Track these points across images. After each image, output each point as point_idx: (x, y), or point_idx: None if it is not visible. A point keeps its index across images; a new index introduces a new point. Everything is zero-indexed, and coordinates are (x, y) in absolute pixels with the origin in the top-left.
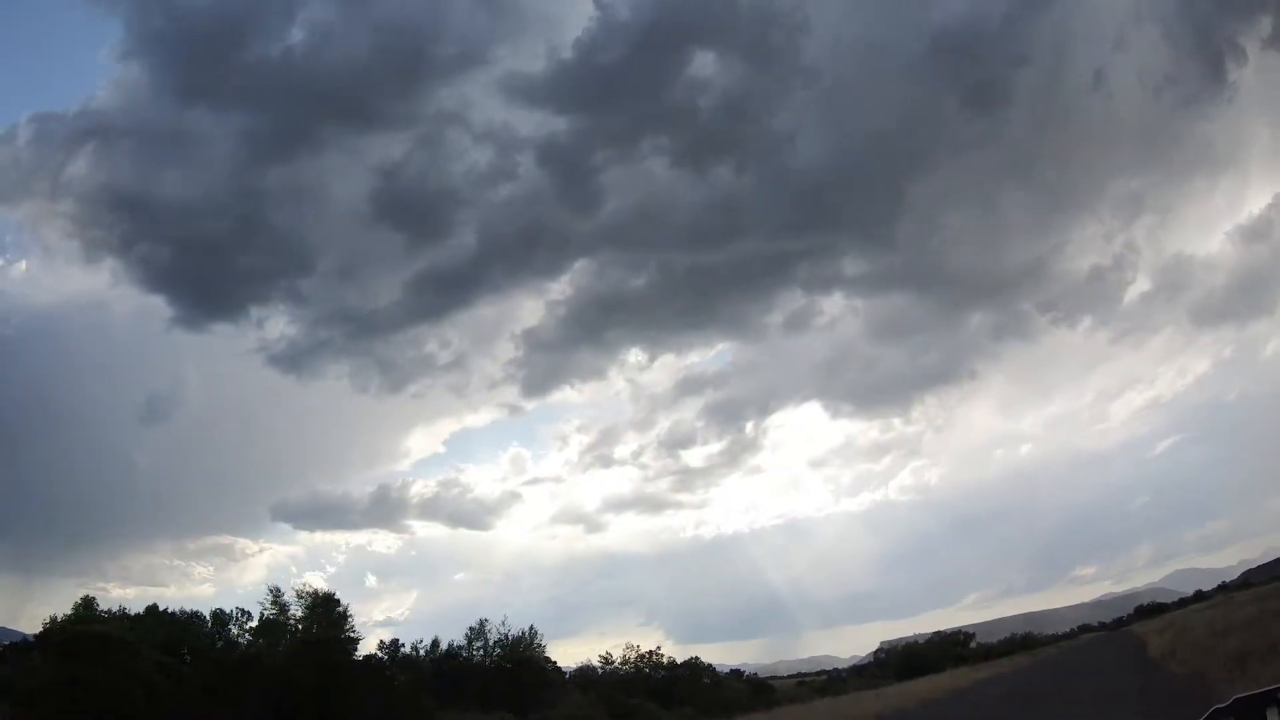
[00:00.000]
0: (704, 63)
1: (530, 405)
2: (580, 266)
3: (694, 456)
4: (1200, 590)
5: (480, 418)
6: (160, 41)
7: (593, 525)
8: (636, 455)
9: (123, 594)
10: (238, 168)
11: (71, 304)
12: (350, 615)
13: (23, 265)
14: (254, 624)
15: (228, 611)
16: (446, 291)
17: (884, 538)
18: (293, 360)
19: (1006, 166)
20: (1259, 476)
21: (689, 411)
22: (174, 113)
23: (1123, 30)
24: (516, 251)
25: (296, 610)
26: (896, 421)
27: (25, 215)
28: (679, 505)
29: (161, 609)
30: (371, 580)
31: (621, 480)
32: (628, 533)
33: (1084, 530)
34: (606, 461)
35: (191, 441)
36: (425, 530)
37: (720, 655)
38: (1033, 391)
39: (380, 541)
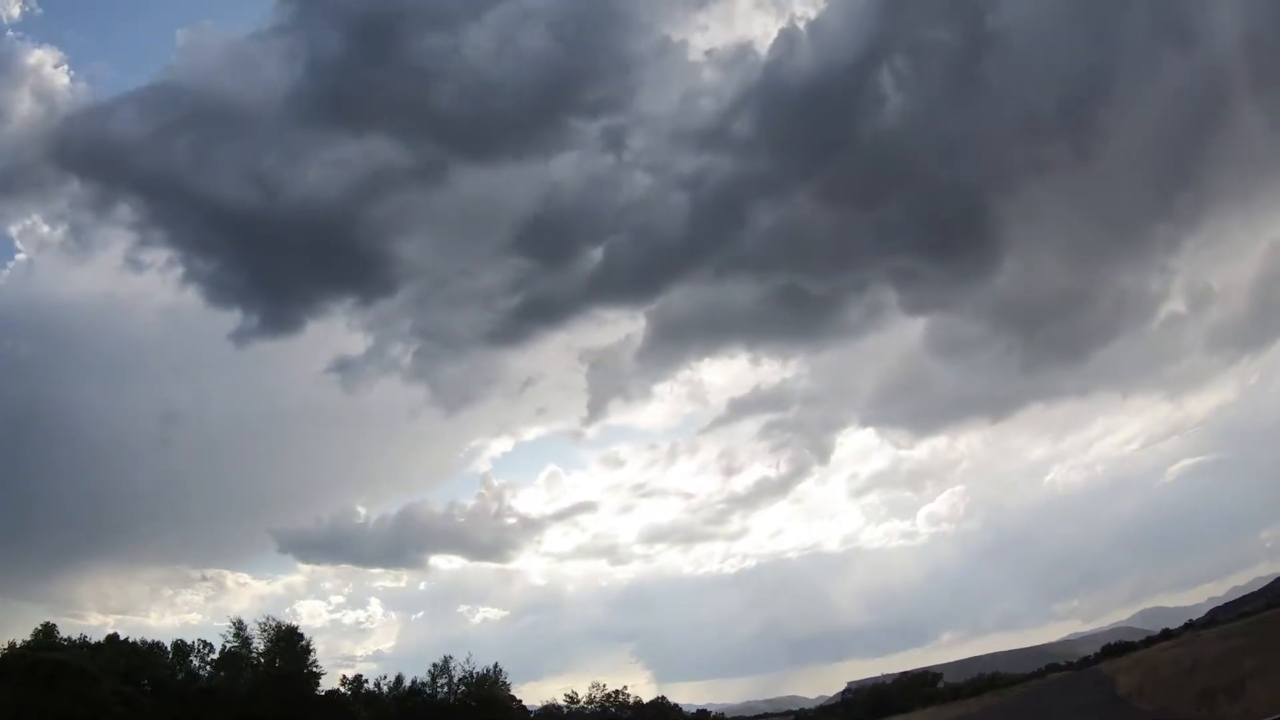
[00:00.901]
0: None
1: (591, 430)
2: (677, 289)
3: (744, 481)
4: (1168, 629)
5: (534, 435)
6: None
7: (619, 558)
8: (683, 485)
9: (104, 620)
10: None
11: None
12: (313, 649)
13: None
14: (215, 656)
15: (189, 643)
16: (544, 316)
17: (893, 572)
18: (354, 374)
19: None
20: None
21: (746, 436)
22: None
23: None
24: (624, 278)
25: (259, 643)
26: (942, 446)
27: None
28: (712, 537)
29: (122, 638)
30: (378, 612)
31: (662, 509)
32: (652, 566)
33: (1071, 566)
34: (648, 492)
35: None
36: (443, 564)
37: (700, 694)
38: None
39: (391, 579)
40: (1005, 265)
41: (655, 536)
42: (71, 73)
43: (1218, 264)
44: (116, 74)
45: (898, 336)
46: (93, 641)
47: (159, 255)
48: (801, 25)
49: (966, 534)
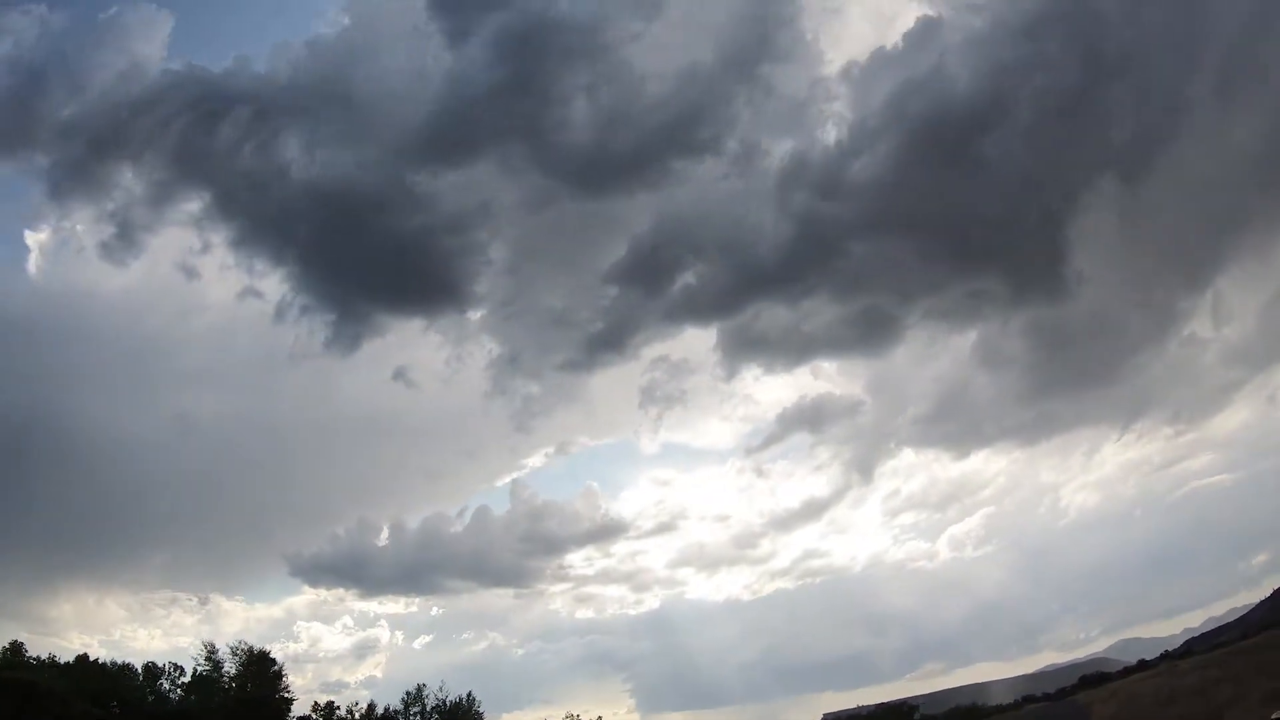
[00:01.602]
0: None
1: (646, 449)
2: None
3: (783, 501)
4: (1144, 659)
5: (584, 451)
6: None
7: (640, 583)
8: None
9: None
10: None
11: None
12: (285, 674)
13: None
14: (186, 679)
15: (160, 665)
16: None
17: (900, 597)
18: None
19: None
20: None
21: (793, 455)
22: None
23: None
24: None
25: (230, 667)
26: (975, 467)
27: None
28: (739, 561)
29: (92, 659)
30: (381, 638)
31: (696, 531)
32: (673, 591)
33: (1062, 596)
34: (684, 514)
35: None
36: (460, 588)
37: None
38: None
39: (402, 605)
40: (1066, 291)
41: (682, 561)
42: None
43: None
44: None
45: (959, 358)
46: (61, 661)
47: (233, 254)
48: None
49: (977, 560)
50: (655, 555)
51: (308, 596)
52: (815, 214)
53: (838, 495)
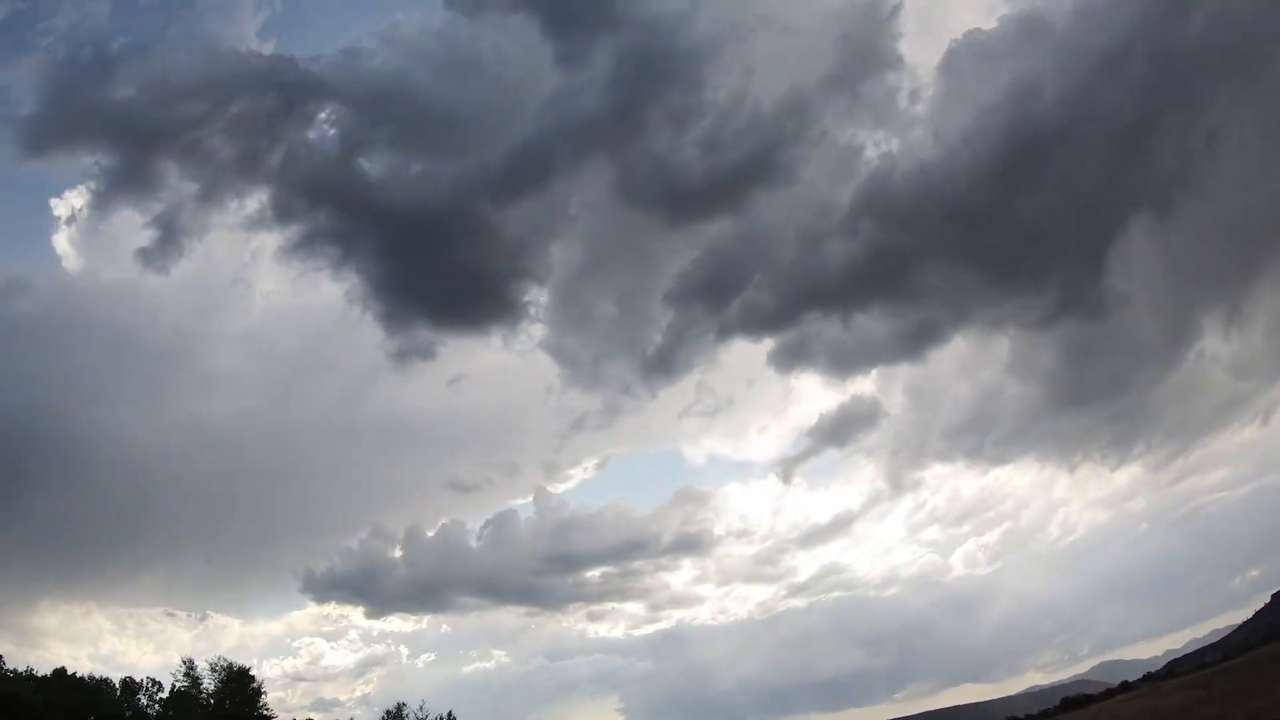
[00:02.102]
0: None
1: (697, 458)
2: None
3: (812, 515)
4: (1126, 681)
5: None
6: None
7: (656, 603)
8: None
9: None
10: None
11: None
12: (264, 692)
13: None
14: (164, 695)
15: (138, 680)
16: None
17: (903, 617)
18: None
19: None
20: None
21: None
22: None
23: None
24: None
25: (209, 684)
26: (997, 483)
27: None
28: (757, 579)
29: (70, 672)
30: (383, 654)
31: (720, 548)
32: (689, 611)
33: (1054, 616)
34: (709, 530)
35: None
36: (471, 605)
37: None
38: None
39: (412, 622)
40: (1103, 310)
41: (702, 578)
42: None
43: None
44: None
45: (993, 373)
46: (40, 674)
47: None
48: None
49: (985, 578)
50: (676, 573)
51: (311, 612)
52: (881, 238)
53: (866, 508)
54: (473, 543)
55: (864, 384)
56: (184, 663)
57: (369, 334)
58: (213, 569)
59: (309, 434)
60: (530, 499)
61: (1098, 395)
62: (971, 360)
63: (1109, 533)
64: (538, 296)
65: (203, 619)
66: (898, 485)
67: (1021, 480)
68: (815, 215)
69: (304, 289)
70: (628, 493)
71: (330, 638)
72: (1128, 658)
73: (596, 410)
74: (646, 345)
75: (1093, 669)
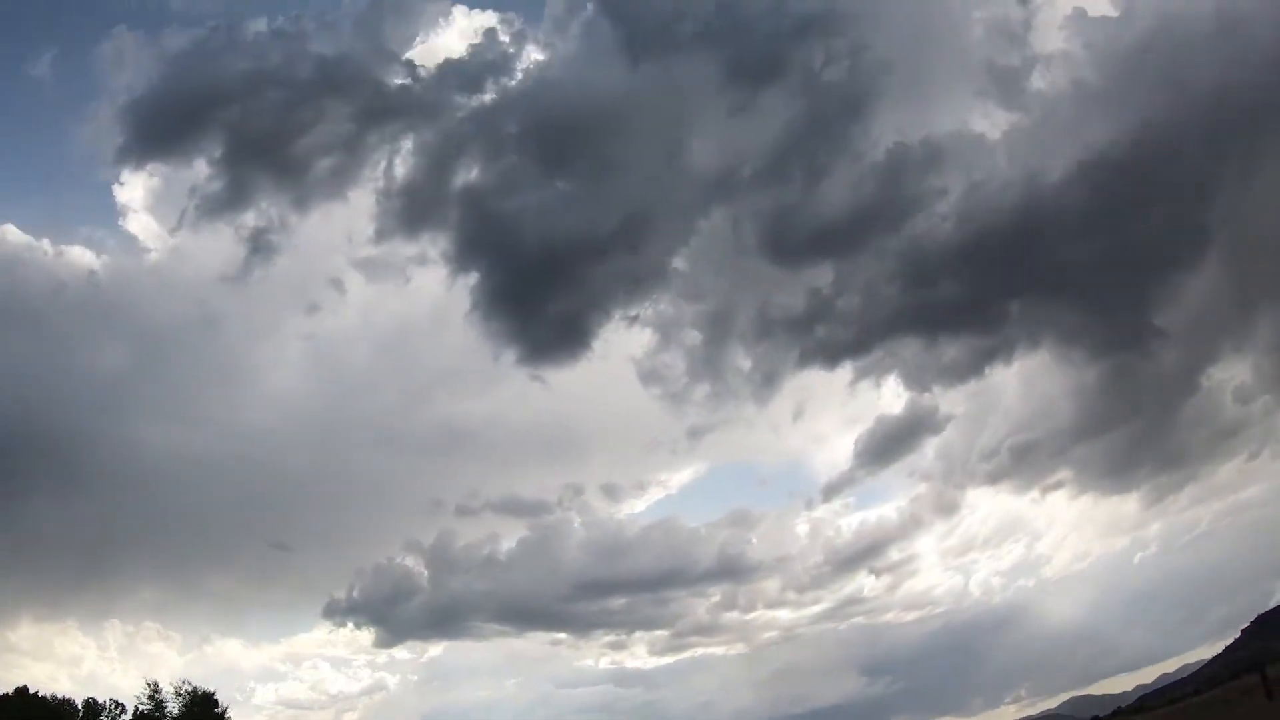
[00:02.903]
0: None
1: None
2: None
3: (852, 540)
4: (1097, 716)
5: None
6: None
7: (680, 633)
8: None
9: None
10: None
11: None
12: (229, 717)
13: None
14: (127, 717)
15: (101, 702)
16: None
17: (897, 644)
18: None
19: None
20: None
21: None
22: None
23: None
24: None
25: (173, 708)
26: (1025, 502)
27: None
28: (783, 604)
29: (32, 692)
30: (377, 681)
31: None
32: (706, 639)
33: (1035, 650)
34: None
35: None
36: (492, 631)
37: None
38: None
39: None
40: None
41: (728, 604)
42: None
43: None
44: None
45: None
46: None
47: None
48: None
49: (994, 606)
50: (706, 599)
51: (317, 636)
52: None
53: (907, 530)
54: (508, 563)
55: (927, 401)
56: (148, 685)
57: (461, 344)
58: (229, 585)
59: (360, 441)
60: (579, 517)
61: (1119, 424)
62: (1026, 384)
63: (1105, 564)
64: (639, 313)
65: (203, 640)
66: (939, 508)
67: (1042, 508)
68: (917, 255)
69: (394, 293)
70: (694, 512)
71: (337, 664)
72: (1098, 693)
73: (678, 431)
74: (735, 369)
75: (1061, 704)
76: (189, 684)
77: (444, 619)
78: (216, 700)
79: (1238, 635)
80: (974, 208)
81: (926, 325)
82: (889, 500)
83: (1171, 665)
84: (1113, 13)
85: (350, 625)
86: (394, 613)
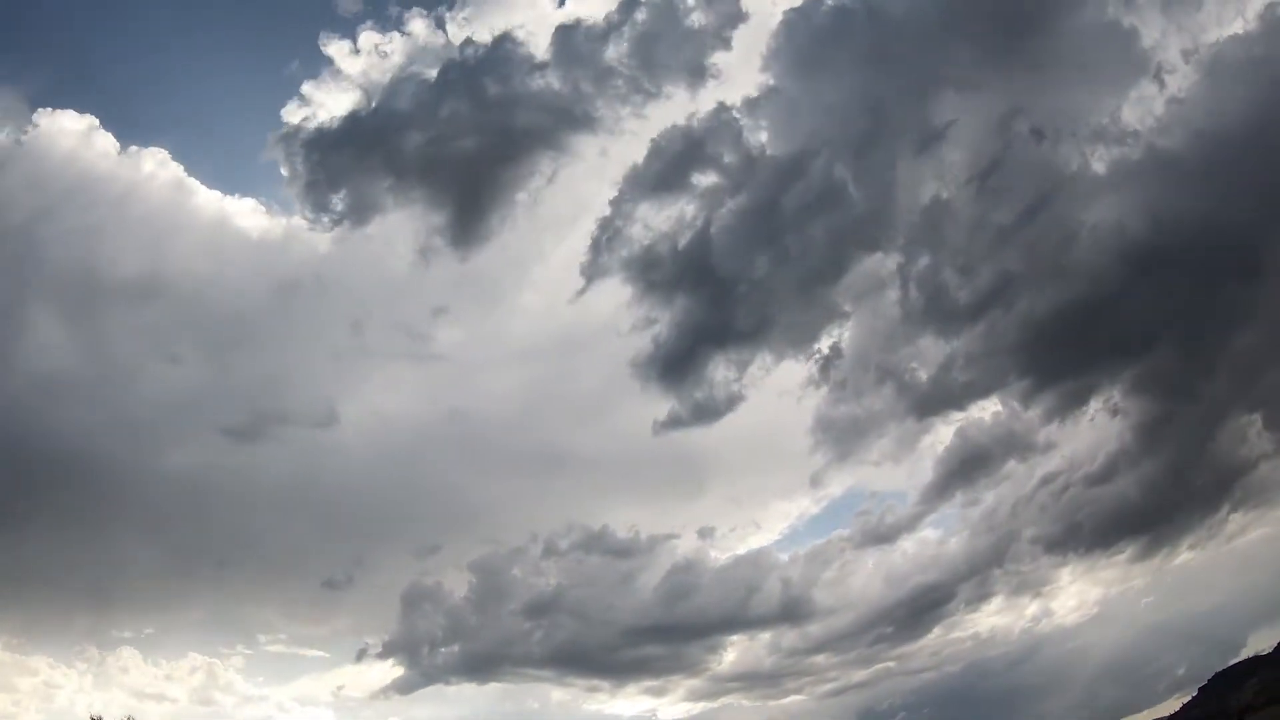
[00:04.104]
0: None
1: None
2: None
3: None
4: None
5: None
6: None
7: (717, 678)
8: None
9: None
10: None
11: None
12: None
13: None
14: None
15: None
16: None
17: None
18: None
19: None
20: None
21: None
22: None
23: None
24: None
25: None
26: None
27: None
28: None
29: None
30: None
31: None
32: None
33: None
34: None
35: None
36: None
37: None
38: None
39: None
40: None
41: (773, 650)
42: None
43: None
44: None
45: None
46: None
47: None
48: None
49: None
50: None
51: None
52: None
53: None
54: (570, 604)
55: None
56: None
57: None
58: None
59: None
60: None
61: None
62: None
63: (1098, 618)
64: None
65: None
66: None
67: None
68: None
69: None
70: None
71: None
72: None
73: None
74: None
75: None
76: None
77: (483, 662)
78: None
79: (1194, 694)
80: None
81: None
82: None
83: None
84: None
85: (379, 663)
86: (427, 654)
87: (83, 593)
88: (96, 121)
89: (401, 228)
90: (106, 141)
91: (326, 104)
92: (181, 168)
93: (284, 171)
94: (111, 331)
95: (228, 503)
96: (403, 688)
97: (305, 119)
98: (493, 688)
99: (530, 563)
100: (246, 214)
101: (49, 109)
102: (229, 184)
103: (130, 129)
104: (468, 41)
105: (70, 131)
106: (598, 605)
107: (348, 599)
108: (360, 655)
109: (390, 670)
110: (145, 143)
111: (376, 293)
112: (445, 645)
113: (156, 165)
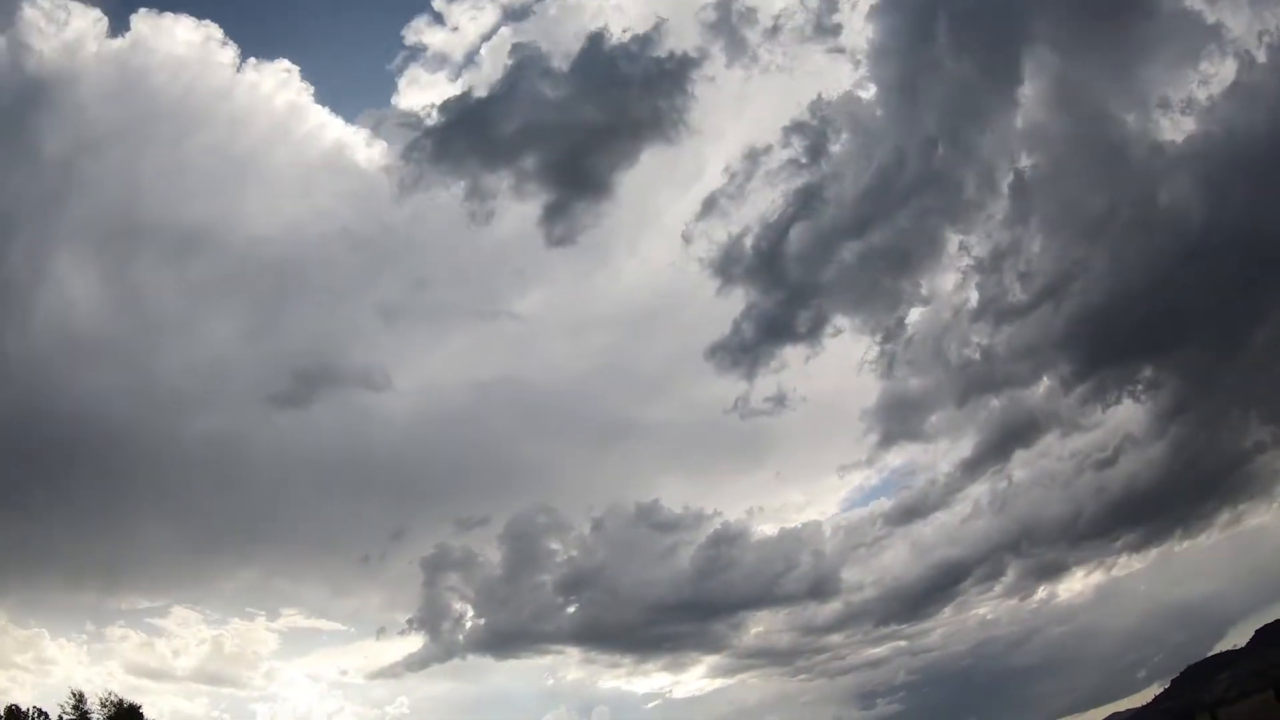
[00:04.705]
0: None
1: None
2: None
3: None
4: None
5: None
6: None
7: (739, 654)
8: None
9: None
10: None
11: None
12: None
13: None
14: None
15: (24, 709)
16: None
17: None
18: None
19: None
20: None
21: None
22: None
23: None
24: None
25: (98, 717)
26: None
27: None
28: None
29: None
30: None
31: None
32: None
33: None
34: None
35: None
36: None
37: None
38: None
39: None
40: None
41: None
42: None
43: None
44: None
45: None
46: None
47: None
48: None
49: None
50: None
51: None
52: None
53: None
54: (601, 579)
55: None
56: (73, 694)
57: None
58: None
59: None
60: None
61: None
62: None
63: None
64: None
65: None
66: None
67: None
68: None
69: None
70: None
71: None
72: None
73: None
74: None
75: None
76: (114, 695)
77: (505, 639)
78: (141, 713)
79: (1167, 686)
80: None
81: None
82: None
83: (1099, 715)
84: None
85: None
86: (449, 629)
87: (103, 568)
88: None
89: (493, 191)
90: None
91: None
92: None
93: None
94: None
95: (266, 473)
96: (417, 664)
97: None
98: (510, 664)
99: (572, 536)
100: (360, 146)
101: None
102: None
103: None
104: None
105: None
106: (633, 580)
107: (383, 573)
108: (380, 632)
109: (407, 645)
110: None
111: (448, 254)
112: (471, 619)
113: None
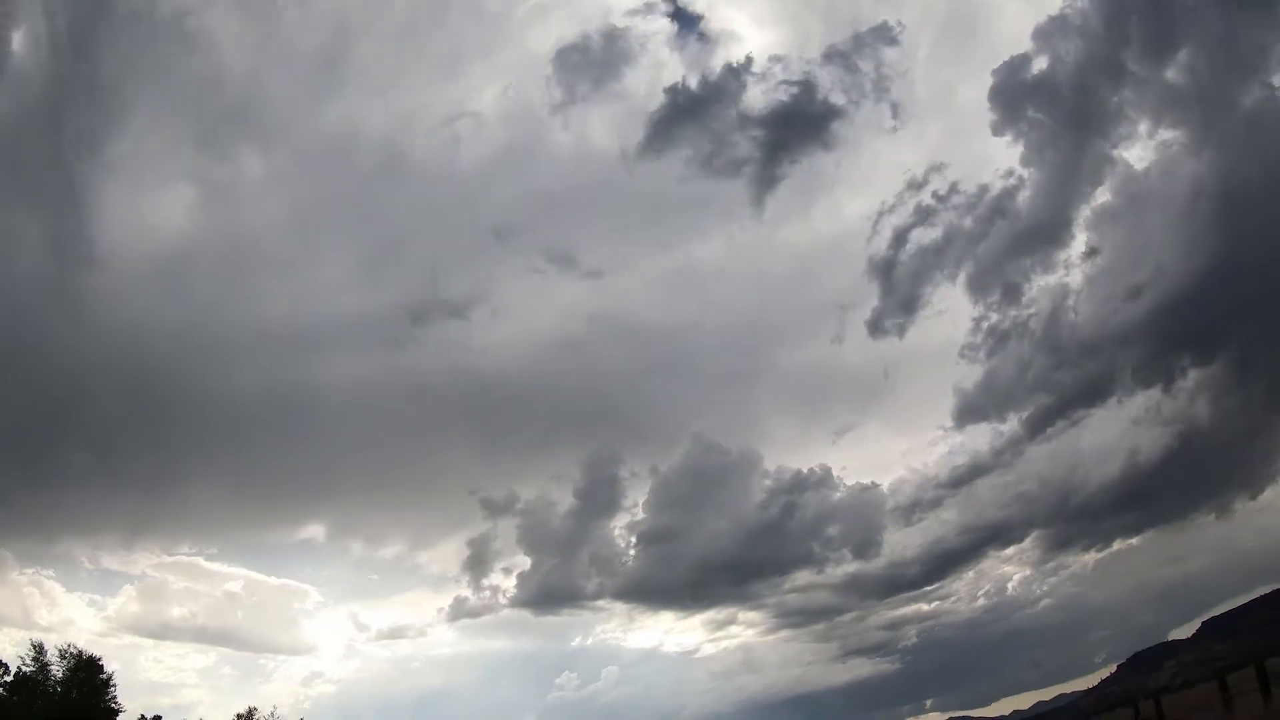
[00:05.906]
0: None
1: None
2: None
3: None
4: None
5: None
6: None
7: (782, 612)
8: None
9: None
10: None
11: None
12: (114, 684)
13: None
14: (9, 678)
15: None
16: None
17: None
18: None
19: None
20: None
21: None
22: None
23: None
24: None
25: (57, 671)
26: None
27: None
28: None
29: None
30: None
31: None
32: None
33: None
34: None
35: None
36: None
37: None
38: None
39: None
40: None
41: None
42: None
43: None
44: None
45: None
46: None
47: None
48: None
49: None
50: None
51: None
52: None
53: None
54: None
55: None
56: (33, 646)
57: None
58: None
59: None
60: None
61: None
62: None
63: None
64: None
65: None
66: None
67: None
68: None
69: None
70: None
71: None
72: (976, 714)
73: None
74: None
75: None
76: (74, 647)
77: (548, 595)
78: (102, 665)
79: (1114, 670)
80: None
81: None
82: None
83: (1049, 694)
84: None
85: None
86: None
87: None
88: None
89: None
90: None
91: None
92: None
93: None
94: None
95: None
96: (446, 618)
97: None
98: (548, 620)
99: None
100: None
101: None
102: None
103: None
104: None
105: None
106: (695, 536)
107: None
108: (434, 583)
109: (441, 599)
110: None
111: None
112: (520, 574)
113: None
